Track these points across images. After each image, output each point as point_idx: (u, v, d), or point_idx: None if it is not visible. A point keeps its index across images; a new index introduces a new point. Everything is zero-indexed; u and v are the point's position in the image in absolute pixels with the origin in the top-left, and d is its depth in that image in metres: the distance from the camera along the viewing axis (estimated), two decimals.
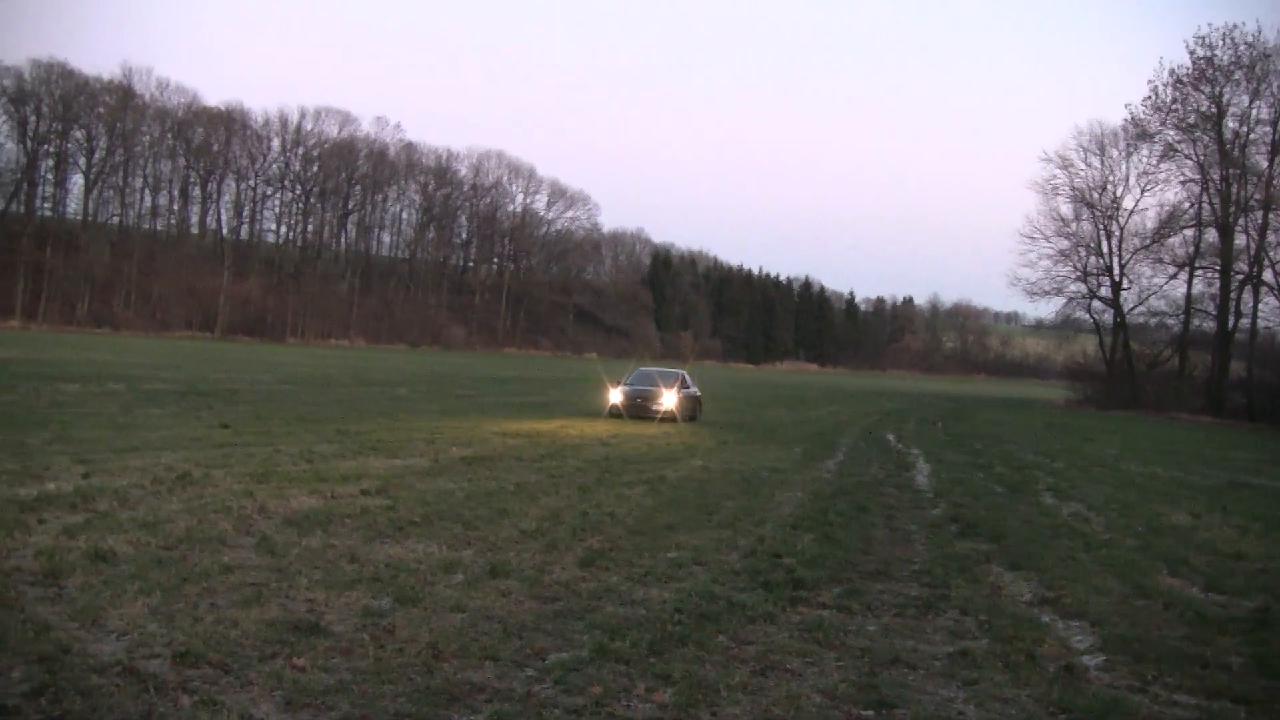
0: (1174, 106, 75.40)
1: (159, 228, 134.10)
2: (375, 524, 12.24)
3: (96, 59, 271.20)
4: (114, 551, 9.78)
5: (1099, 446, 35.89)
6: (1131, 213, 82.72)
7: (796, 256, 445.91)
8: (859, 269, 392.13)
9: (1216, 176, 75.11)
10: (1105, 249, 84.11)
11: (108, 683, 6.51)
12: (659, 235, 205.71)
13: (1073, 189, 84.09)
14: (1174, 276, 79.97)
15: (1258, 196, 72.73)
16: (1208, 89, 73.47)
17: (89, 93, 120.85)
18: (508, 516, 13.41)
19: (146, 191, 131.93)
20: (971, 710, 7.24)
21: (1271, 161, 72.80)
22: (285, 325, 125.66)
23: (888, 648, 8.52)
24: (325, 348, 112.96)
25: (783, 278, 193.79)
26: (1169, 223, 78.95)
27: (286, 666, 7.03)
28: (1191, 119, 75.26)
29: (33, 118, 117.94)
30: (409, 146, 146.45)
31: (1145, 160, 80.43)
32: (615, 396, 34.73)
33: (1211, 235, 76.50)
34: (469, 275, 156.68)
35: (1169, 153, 77.70)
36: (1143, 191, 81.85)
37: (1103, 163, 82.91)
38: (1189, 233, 78.31)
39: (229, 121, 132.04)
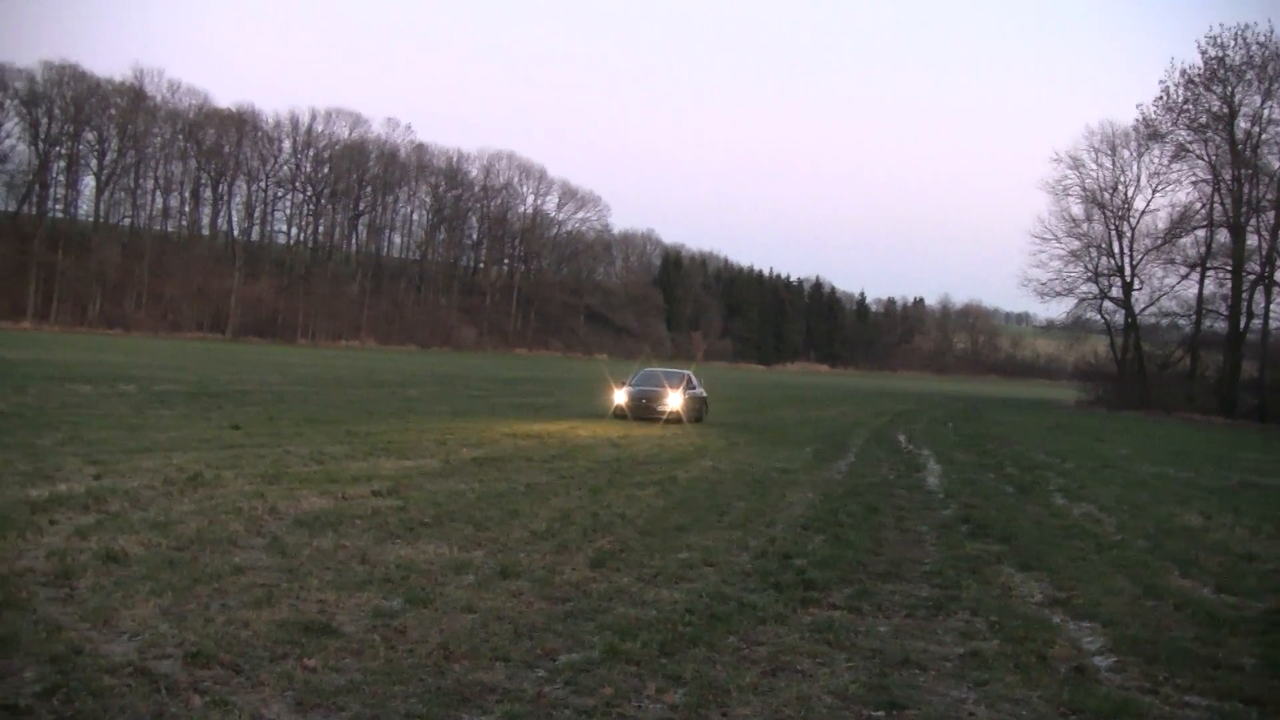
0: (1185, 107, 75.16)
1: (170, 229, 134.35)
2: (386, 525, 12.26)
3: (108, 61, 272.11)
4: (125, 552, 9.80)
5: (1110, 447, 35.79)
6: (1143, 213, 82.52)
7: (807, 257, 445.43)
8: (870, 270, 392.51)
9: (1228, 177, 74.82)
10: (1116, 249, 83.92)
11: (119, 683, 6.52)
12: (669, 236, 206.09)
13: (1084, 189, 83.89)
14: (1185, 277, 79.72)
15: (1270, 197, 72.51)
16: (1219, 89, 73.21)
17: (100, 94, 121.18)
18: (518, 517, 13.41)
19: (158, 193, 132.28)
20: (982, 711, 7.23)
21: None
22: (296, 326, 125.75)
23: (898, 649, 8.52)
24: (336, 349, 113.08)
25: (793, 278, 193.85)
26: (1180, 223, 78.70)
27: (298, 667, 7.04)
28: (1203, 119, 74.99)
29: (44, 120, 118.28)
30: (420, 148, 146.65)
31: (1157, 160, 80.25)
32: (620, 397, 34.33)
33: (1223, 236, 76.22)
34: (480, 276, 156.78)
35: (1180, 153, 77.47)
36: (1154, 192, 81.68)
37: (1114, 163, 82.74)
38: (1201, 233, 78.07)
39: (240, 123, 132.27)
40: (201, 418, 24.40)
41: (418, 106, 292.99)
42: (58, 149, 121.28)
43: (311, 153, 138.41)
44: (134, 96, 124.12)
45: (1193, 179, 78.15)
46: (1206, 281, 78.05)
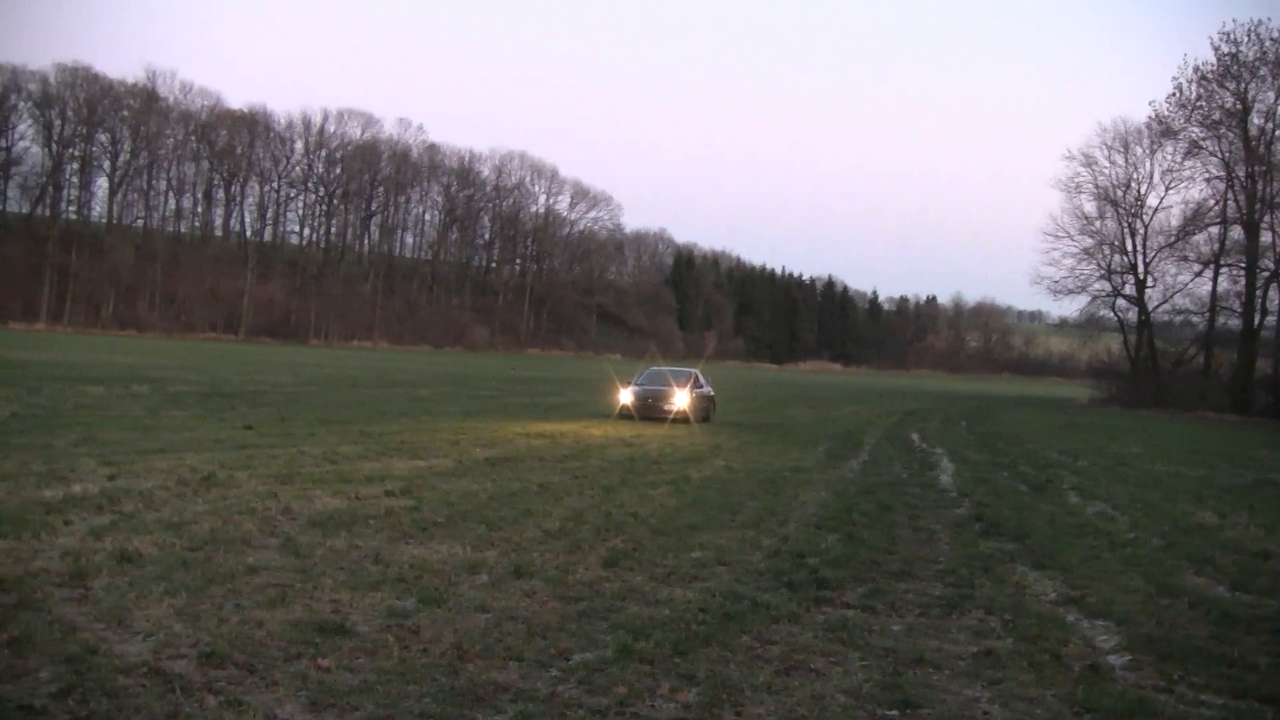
0: (1198, 103, 74.94)
1: (183, 230, 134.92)
2: (399, 525, 12.27)
3: (120, 63, 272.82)
4: (139, 553, 9.83)
5: (1123, 445, 35.71)
6: (1156, 210, 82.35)
7: (820, 256, 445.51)
8: (882, 268, 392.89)
9: (1242, 173, 74.65)
10: (1129, 247, 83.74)
11: (134, 683, 6.54)
12: (682, 235, 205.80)
13: (1096, 187, 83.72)
14: (1199, 274, 79.57)
15: None
16: (1233, 85, 72.99)
17: (113, 96, 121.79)
18: (531, 517, 13.41)
19: (170, 194, 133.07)
20: (996, 710, 7.21)
21: None
22: (308, 327, 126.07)
23: (912, 647, 8.50)
24: (348, 349, 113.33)
25: (806, 277, 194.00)
26: (1194, 220, 78.48)
27: (311, 667, 7.05)
28: (1216, 115, 74.78)
29: (58, 121, 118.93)
30: (432, 148, 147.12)
31: (1170, 158, 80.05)
32: (625, 397, 33.76)
33: (1237, 232, 76.02)
34: (492, 276, 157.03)
35: (1194, 150, 77.22)
36: (1167, 189, 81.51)
37: (1127, 160, 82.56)
38: (1214, 230, 77.86)
39: (252, 124, 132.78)
40: (215, 418, 24.47)
41: (430, 107, 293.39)
42: (71, 151, 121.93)
43: (324, 153, 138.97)
44: (146, 98, 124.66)
45: (1206, 176, 78.03)
46: (1220, 278, 78.00)
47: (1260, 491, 22.91)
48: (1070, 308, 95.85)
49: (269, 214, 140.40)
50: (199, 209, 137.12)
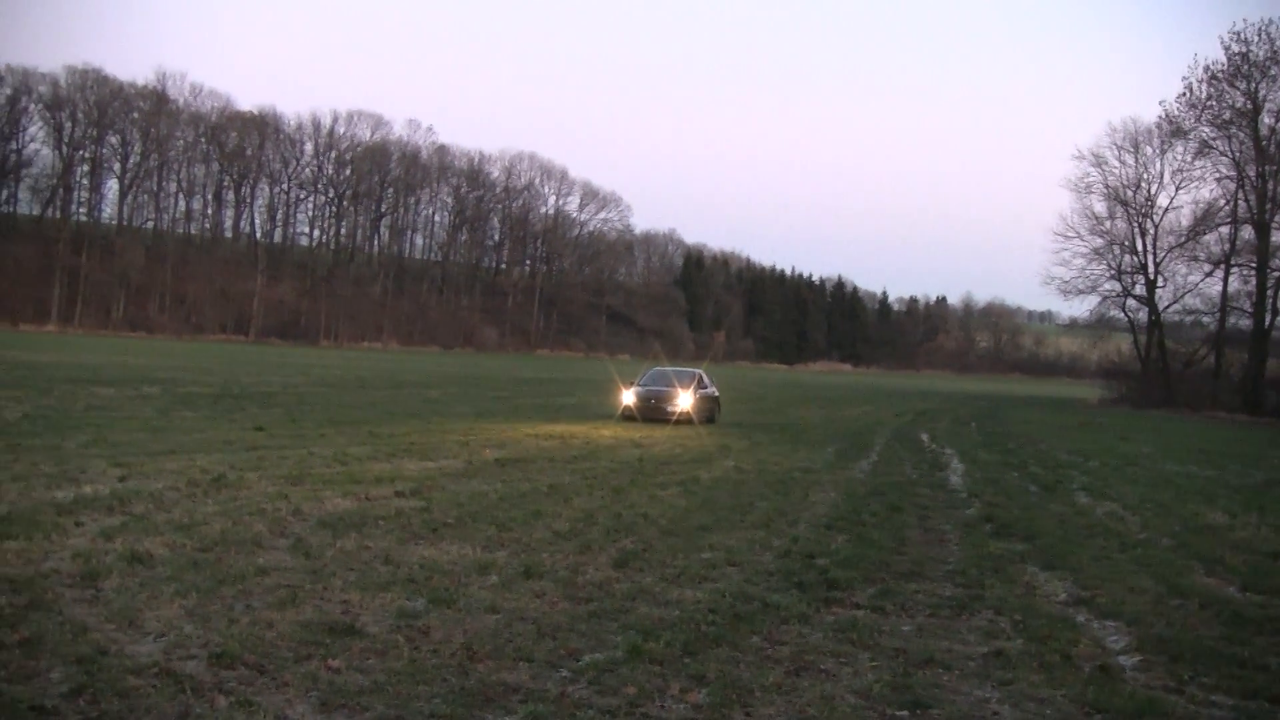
0: (1209, 103, 74.67)
1: (193, 232, 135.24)
2: (409, 526, 12.29)
3: (130, 65, 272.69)
4: (150, 554, 9.85)
5: (1134, 445, 35.63)
6: (1166, 210, 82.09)
7: (829, 256, 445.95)
8: (892, 269, 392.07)
9: (1252, 173, 74.37)
10: (1140, 247, 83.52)
11: (145, 684, 6.55)
12: (691, 236, 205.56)
13: (1107, 187, 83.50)
14: (1210, 274, 79.27)
15: None
16: (1243, 85, 72.74)
17: (123, 98, 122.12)
18: (541, 518, 13.42)
19: (180, 196, 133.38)
20: (1006, 711, 7.21)
21: None
22: (318, 328, 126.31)
23: (922, 648, 8.50)
24: (358, 350, 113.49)
25: (815, 278, 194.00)
26: (1204, 220, 78.24)
27: (321, 667, 7.06)
28: (1227, 115, 74.53)
29: (68, 124, 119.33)
30: (441, 149, 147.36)
31: (1180, 157, 79.75)
32: (628, 398, 33.22)
33: (1247, 232, 75.76)
34: (501, 277, 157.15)
35: (1204, 150, 76.96)
36: (1177, 189, 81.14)
37: (1137, 160, 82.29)
38: (1225, 230, 77.55)
39: (262, 125, 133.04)
40: (225, 419, 24.52)
41: (439, 108, 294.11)
42: (81, 153, 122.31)
43: (333, 155, 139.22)
44: (156, 100, 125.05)
45: (1216, 176, 77.71)
46: (1231, 279, 77.69)
47: (1271, 492, 22.85)
48: (1080, 308, 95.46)
49: (279, 215, 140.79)
50: (209, 210, 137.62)
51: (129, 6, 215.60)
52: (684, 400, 32.92)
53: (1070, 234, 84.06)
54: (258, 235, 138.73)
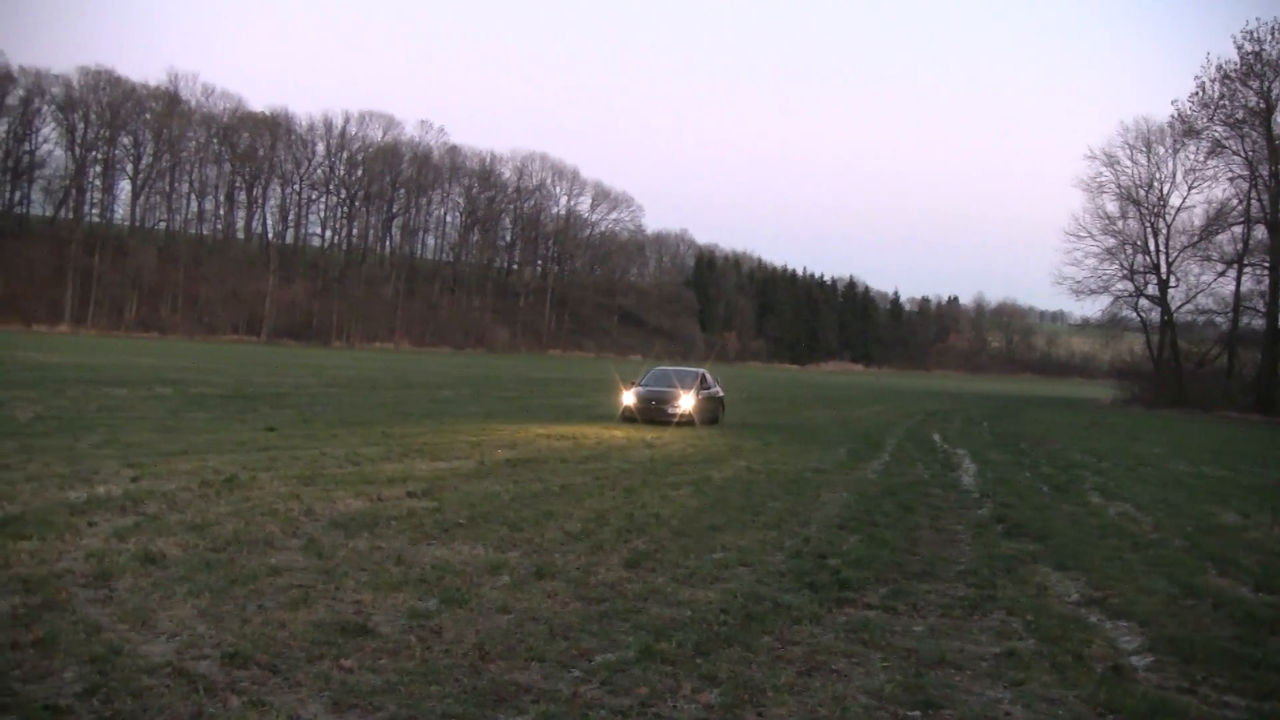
0: (1221, 102, 74.37)
1: (205, 232, 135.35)
2: (421, 526, 12.30)
3: (143, 66, 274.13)
4: (163, 554, 9.88)
5: (1146, 445, 35.57)
6: (1179, 210, 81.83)
7: (841, 256, 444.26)
8: (903, 269, 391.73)
9: (1265, 172, 74.05)
10: (1152, 247, 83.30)
11: (158, 683, 6.58)
12: (703, 236, 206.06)
13: (1119, 187, 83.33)
14: (1222, 274, 79.01)
15: None
16: (1256, 84, 72.44)
17: (136, 99, 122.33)
18: (553, 518, 13.43)
19: (192, 196, 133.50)
20: (1018, 711, 7.21)
21: None
22: (330, 328, 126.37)
23: (934, 648, 8.49)
24: (370, 351, 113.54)
25: (827, 278, 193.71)
26: (1217, 220, 78.00)
27: (334, 667, 7.08)
28: (1239, 114, 74.23)
29: (81, 125, 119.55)
30: (453, 150, 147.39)
31: (1192, 157, 79.52)
32: (628, 399, 32.43)
33: (1260, 232, 75.48)
34: (513, 278, 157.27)
35: (1217, 149, 76.69)
36: (1190, 188, 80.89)
37: (1149, 160, 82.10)
38: (1237, 230, 77.28)
39: (274, 126, 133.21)
40: (237, 420, 24.56)
41: (451, 109, 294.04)
42: (94, 154, 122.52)
43: (345, 155, 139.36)
44: (169, 101, 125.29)
45: (1229, 175, 77.43)
46: (1244, 278, 77.43)
47: None
48: (1093, 308, 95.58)
49: (291, 216, 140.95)
50: (221, 211, 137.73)
51: (141, 8, 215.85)
52: (685, 401, 32.20)
53: (1082, 234, 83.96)
54: (270, 236, 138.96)
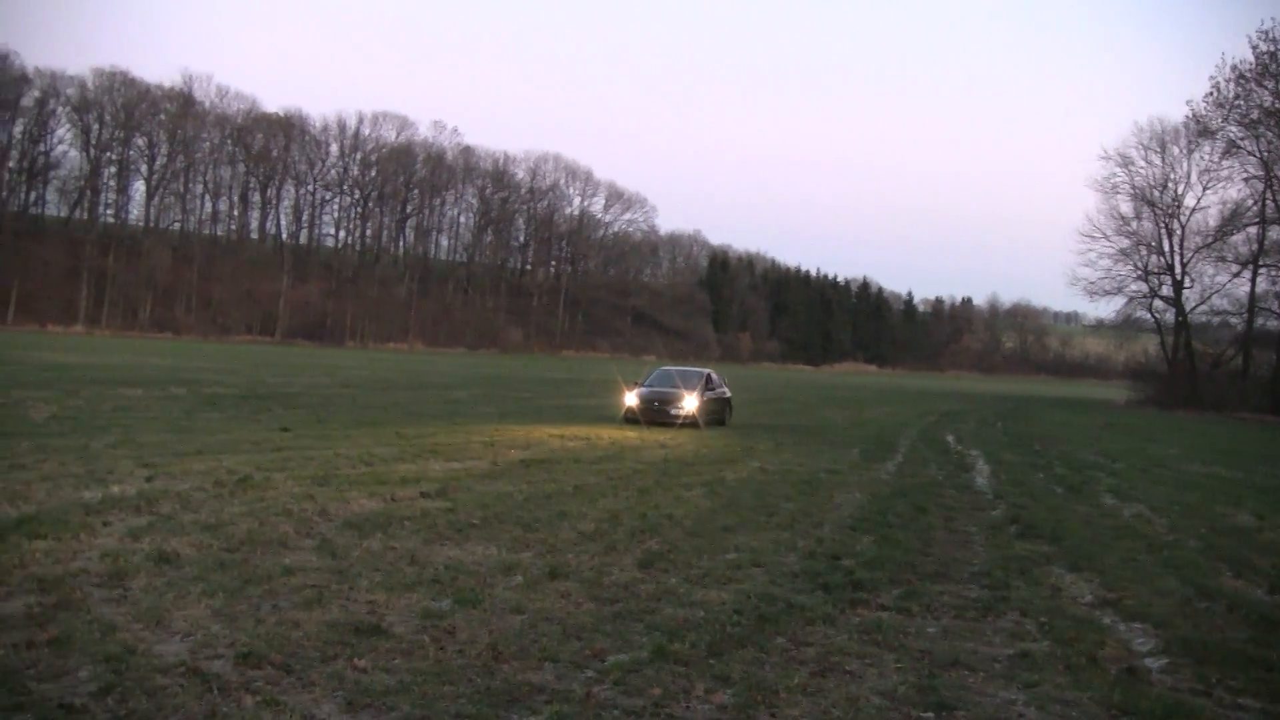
0: (1236, 102, 74.09)
1: (219, 233, 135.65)
2: (435, 526, 12.31)
3: (157, 67, 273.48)
4: (177, 554, 9.91)
5: (1161, 447, 35.49)
6: (1193, 210, 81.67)
7: (854, 257, 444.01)
8: (917, 270, 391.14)
9: None
10: (1166, 247, 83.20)
11: (172, 683, 6.60)
12: (716, 237, 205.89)
13: (1133, 187, 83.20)
14: (1237, 275, 78.86)
15: None
16: (1271, 84, 72.13)
17: (150, 100, 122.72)
18: (566, 519, 13.44)
19: (207, 197, 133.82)
20: (1032, 713, 7.19)
21: None
22: (344, 329, 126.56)
23: (947, 650, 8.48)
24: (384, 351, 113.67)
25: (840, 279, 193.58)
26: (1232, 220, 77.86)
27: (348, 667, 7.09)
28: (1255, 115, 73.95)
29: (95, 126, 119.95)
30: (466, 150, 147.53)
31: (1207, 157, 79.35)
32: (630, 400, 31.91)
33: (1275, 232, 75.31)
34: (527, 278, 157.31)
35: (1231, 149, 76.46)
36: (1205, 189, 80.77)
37: (1163, 160, 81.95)
38: (1252, 230, 77.11)
39: (288, 127, 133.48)
40: (251, 420, 24.61)
41: (464, 109, 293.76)
42: (108, 155, 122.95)
43: (359, 156, 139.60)
44: (183, 102, 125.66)
45: (1244, 175, 77.22)
46: (1259, 279, 77.27)
47: None
48: (1107, 309, 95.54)
49: (304, 217, 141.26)
50: (235, 212, 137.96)
51: (156, 10, 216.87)
52: (689, 403, 31.63)
53: (1096, 235, 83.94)
54: (283, 236, 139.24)
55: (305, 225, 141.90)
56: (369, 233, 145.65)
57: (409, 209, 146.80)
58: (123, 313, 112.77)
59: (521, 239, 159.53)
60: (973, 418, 49.13)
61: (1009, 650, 8.62)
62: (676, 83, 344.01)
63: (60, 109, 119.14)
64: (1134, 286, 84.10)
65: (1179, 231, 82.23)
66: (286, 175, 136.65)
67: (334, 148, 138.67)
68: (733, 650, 8.06)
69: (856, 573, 11.01)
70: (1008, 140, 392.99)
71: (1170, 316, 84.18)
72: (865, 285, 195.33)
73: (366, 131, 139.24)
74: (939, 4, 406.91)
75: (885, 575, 11.08)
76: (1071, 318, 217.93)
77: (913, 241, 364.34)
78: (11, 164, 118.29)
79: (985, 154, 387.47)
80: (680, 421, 31.03)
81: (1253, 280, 77.40)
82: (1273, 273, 76.20)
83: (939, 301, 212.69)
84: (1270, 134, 73.74)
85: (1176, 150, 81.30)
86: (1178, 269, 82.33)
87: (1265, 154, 74.56)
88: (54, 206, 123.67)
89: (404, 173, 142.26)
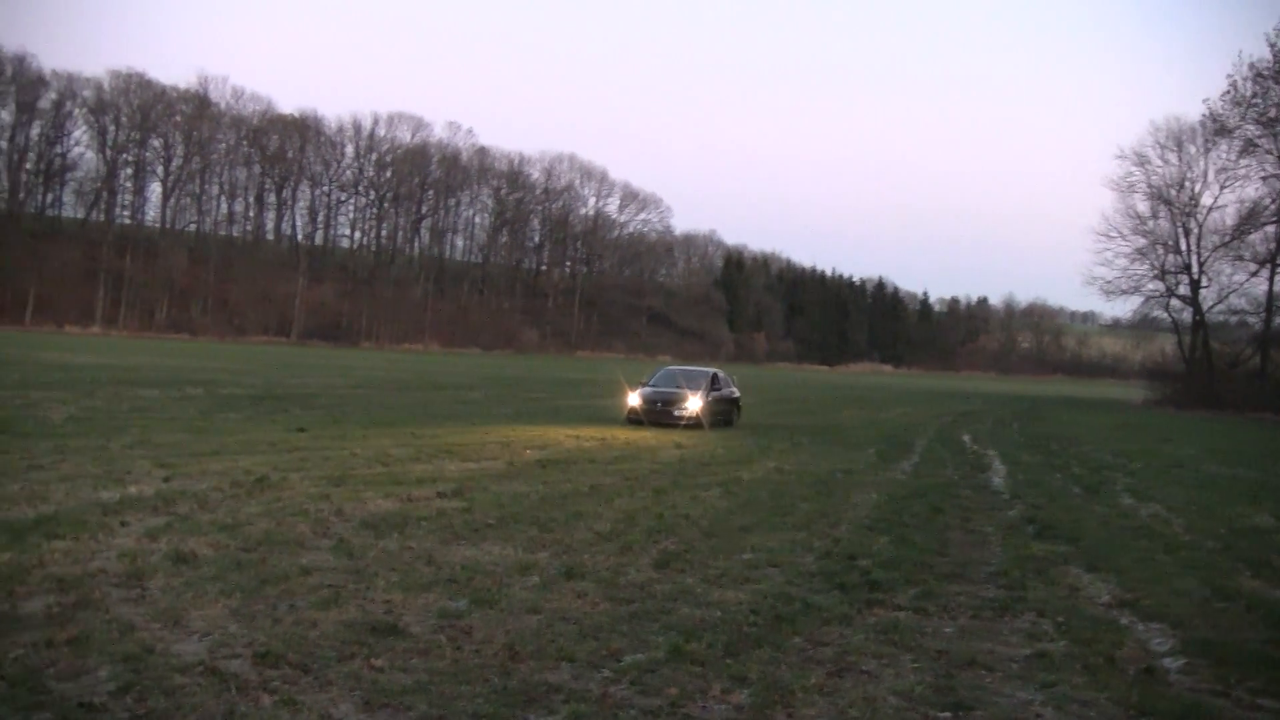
0: (1254, 101, 73.69)
1: (235, 234, 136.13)
2: (451, 526, 12.33)
3: (173, 69, 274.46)
4: (195, 554, 9.93)
5: (1178, 447, 35.35)
6: (1210, 209, 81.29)
7: (870, 257, 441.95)
8: (933, 269, 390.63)
9: None
10: (1183, 247, 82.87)
11: (190, 682, 6.61)
12: (731, 237, 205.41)
13: (1150, 186, 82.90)
14: (1255, 274, 78.45)
15: None
16: None
17: (166, 102, 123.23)
18: (582, 519, 13.44)
19: (223, 198, 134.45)
20: (1050, 713, 7.18)
21: None
22: (360, 330, 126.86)
23: (964, 649, 8.47)
24: (399, 352, 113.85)
25: (856, 278, 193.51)
26: (1249, 219, 77.47)
27: (365, 667, 7.10)
28: (1272, 113, 73.54)
29: (112, 127, 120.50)
30: (481, 151, 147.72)
31: (1224, 156, 78.94)
32: (633, 400, 31.53)
33: None
34: (542, 279, 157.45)
35: (1249, 148, 76.03)
36: (1222, 188, 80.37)
37: (1180, 159, 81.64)
38: (1270, 229, 76.67)
39: (303, 128, 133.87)
40: (267, 421, 24.67)
41: (479, 110, 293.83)
42: (125, 156, 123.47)
43: (374, 157, 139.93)
44: (199, 103, 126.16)
45: (1262, 174, 76.73)
46: (1276, 278, 76.87)
47: None
48: (1123, 308, 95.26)
49: (320, 218, 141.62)
50: (251, 213, 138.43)
51: (171, 12, 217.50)
52: (693, 403, 31.04)
53: (1112, 234, 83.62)
54: (299, 237, 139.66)
55: (320, 226, 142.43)
56: (384, 233, 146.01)
57: (424, 210, 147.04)
58: (139, 314, 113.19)
59: (536, 239, 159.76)
60: (989, 418, 49.06)
61: (1026, 650, 8.59)
62: (692, 83, 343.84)
63: (77, 111, 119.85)
64: (1151, 286, 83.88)
65: (1196, 230, 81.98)
66: (302, 176, 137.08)
67: (349, 149, 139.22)
68: (749, 650, 8.05)
69: (873, 573, 11.00)
70: (1023, 140, 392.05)
71: (1187, 316, 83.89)
72: (881, 285, 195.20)
73: (381, 132, 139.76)
74: (955, 4, 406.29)
75: (902, 575, 11.06)
76: (1088, 317, 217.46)
77: (928, 241, 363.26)
78: (29, 165, 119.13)
79: (1001, 154, 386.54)
80: (684, 423, 30.50)
81: (1270, 279, 77.05)
82: None
83: (955, 301, 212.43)
84: None
85: (1193, 149, 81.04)
86: (1195, 268, 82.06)
87: None
88: (71, 208, 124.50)
89: (419, 173, 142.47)
